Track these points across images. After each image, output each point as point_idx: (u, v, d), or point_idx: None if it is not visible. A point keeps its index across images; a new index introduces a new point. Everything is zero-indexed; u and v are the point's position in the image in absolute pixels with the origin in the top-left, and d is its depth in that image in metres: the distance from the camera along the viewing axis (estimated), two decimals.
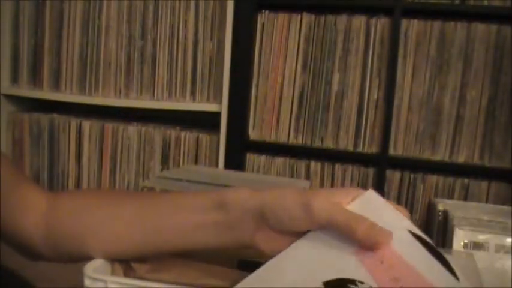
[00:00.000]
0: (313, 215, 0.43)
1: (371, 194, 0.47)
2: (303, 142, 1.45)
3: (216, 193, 0.48)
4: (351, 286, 0.40)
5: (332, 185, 1.43)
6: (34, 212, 0.53)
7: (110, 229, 0.50)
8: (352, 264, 0.42)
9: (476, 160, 1.36)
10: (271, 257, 0.46)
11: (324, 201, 0.44)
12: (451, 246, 0.92)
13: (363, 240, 0.42)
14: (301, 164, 1.45)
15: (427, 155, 1.38)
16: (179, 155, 1.55)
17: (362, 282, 0.40)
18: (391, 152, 1.39)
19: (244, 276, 0.45)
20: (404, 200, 1.39)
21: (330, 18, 1.41)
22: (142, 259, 0.50)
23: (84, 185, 1.63)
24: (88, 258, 0.50)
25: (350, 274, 0.41)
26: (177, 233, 0.48)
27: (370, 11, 1.39)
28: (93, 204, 0.53)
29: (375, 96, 1.40)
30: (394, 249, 0.42)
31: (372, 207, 0.45)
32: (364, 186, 1.34)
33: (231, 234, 0.47)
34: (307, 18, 1.43)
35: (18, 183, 0.54)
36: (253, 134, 1.49)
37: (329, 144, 1.43)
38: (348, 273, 0.41)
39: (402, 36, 1.36)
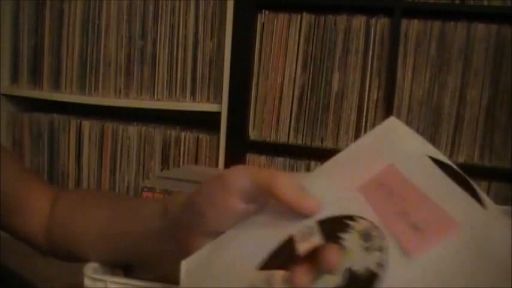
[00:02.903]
0: (228, 183, 0.37)
1: (393, 121, 0.43)
2: (303, 142, 1.45)
3: (162, 200, 0.46)
4: (349, 222, 0.35)
5: None
6: (39, 216, 0.54)
7: (91, 232, 0.50)
8: (353, 199, 0.36)
9: (476, 160, 1.36)
10: None
11: (238, 167, 0.39)
12: None
13: (284, 198, 0.35)
14: (301, 164, 1.45)
15: None
16: (179, 155, 1.55)
17: (363, 218, 0.35)
18: None
19: None
20: None
21: (330, 18, 1.41)
22: (120, 263, 0.50)
23: (84, 185, 1.63)
24: (86, 259, 0.50)
25: (350, 210, 0.36)
26: (131, 240, 0.47)
27: (370, 11, 1.39)
28: (79, 208, 0.53)
29: (375, 96, 1.40)
30: (406, 178, 0.37)
31: (392, 133, 0.42)
32: None
33: (173, 242, 0.43)
34: (307, 18, 1.43)
35: (25, 184, 0.54)
36: (253, 134, 1.49)
37: (329, 144, 1.43)
38: (348, 210, 0.36)
39: (402, 36, 1.36)
